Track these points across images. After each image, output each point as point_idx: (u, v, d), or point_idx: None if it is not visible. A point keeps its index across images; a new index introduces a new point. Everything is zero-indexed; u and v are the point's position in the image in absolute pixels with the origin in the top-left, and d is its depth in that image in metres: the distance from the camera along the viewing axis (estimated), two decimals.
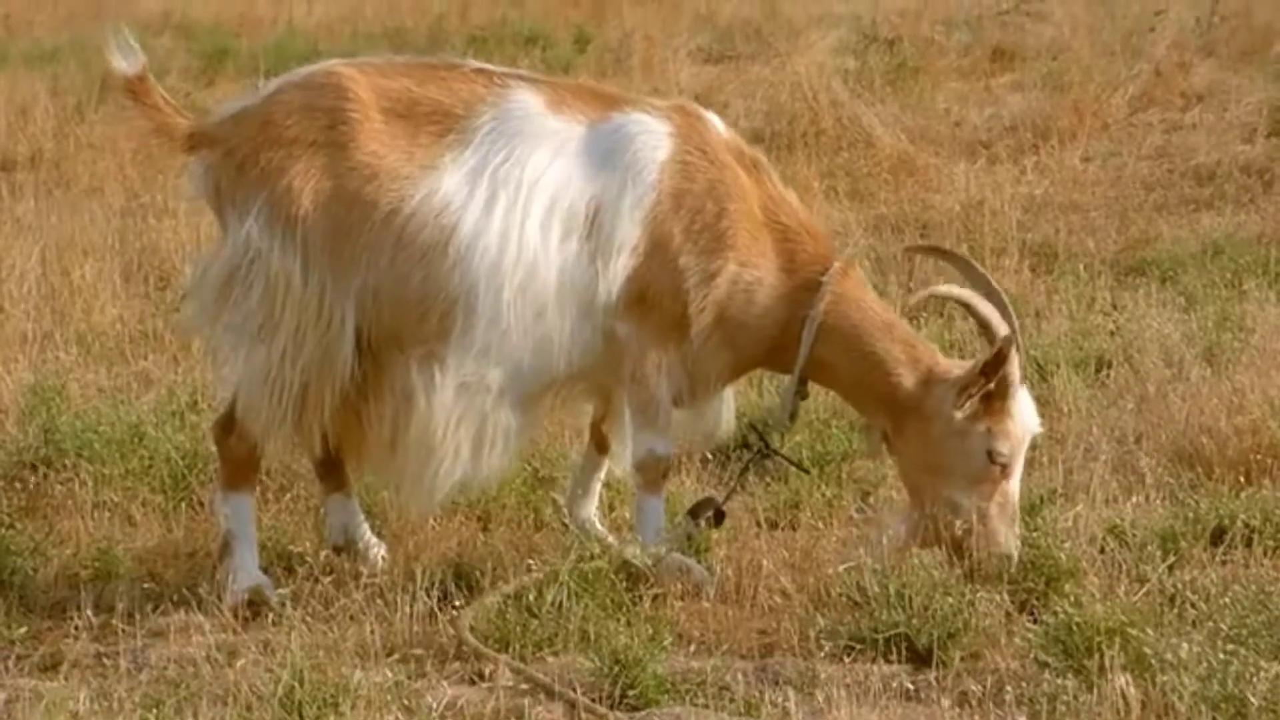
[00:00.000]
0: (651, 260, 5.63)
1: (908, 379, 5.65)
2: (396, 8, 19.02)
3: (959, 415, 5.55)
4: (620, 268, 5.61)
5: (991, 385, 5.51)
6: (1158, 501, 6.27)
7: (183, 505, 6.40)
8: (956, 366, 5.67)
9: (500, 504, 6.23)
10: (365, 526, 6.00)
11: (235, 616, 5.51)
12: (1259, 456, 6.43)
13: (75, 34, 17.24)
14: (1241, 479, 6.32)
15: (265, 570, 5.75)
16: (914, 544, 5.57)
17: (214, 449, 5.91)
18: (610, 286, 5.61)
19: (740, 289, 5.69)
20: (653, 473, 5.76)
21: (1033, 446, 5.83)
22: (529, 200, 5.55)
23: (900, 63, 14.06)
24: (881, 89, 13.38)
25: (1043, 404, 7.04)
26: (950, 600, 5.27)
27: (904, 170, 11.01)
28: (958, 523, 5.54)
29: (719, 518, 5.91)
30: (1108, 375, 7.52)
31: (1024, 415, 5.62)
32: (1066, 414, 7.01)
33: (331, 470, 5.96)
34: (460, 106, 5.65)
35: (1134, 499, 6.26)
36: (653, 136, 5.68)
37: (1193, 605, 5.36)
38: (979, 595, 5.33)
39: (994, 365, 5.51)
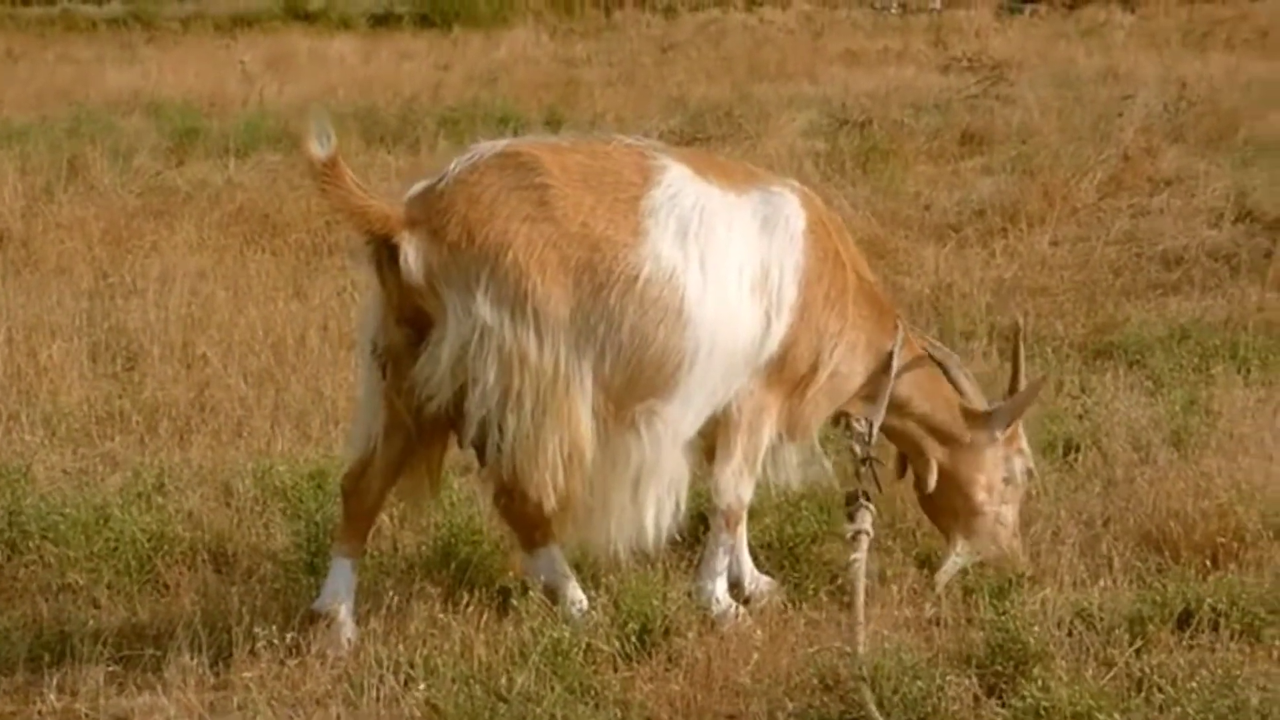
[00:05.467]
0: (801, 321, 6.06)
1: (963, 413, 6.46)
2: (368, 89, 19.11)
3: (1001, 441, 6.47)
4: (783, 324, 6.02)
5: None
6: (1125, 585, 6.27)
7: (148, 588, 6.36)
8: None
9: (467, 584, 6.21)
10: (352, 603, 5.99)
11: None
12: (1226, 540, 6.44)
13: (44, 113, 17.30)
14: (1208, 563, 6.32)
15: (230, 653, 5.70)
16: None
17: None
18: (772, 341, 6.02)
19: (850, 346, 6.21)
20: (737, 516, 6.20)
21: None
22: (725, 261, 5.89)
23: (870, 145, 14.16)
24: (852, 171, 13.47)
25: None
26: (920, 684, 5.27)
27: (874, 252, 11.02)
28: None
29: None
30: (1075, 459, 7.52)
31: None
32: (1034, 497, 7.00)
33: (362, 532, 6.03)
34: (635, 175, 5.90)
35: (1101, 582, 6.26)
36: (793, 207, 6.12)
37: (1160, 689, 5.35)
38: (948, 679, 5.33)
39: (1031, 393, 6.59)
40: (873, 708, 5.20)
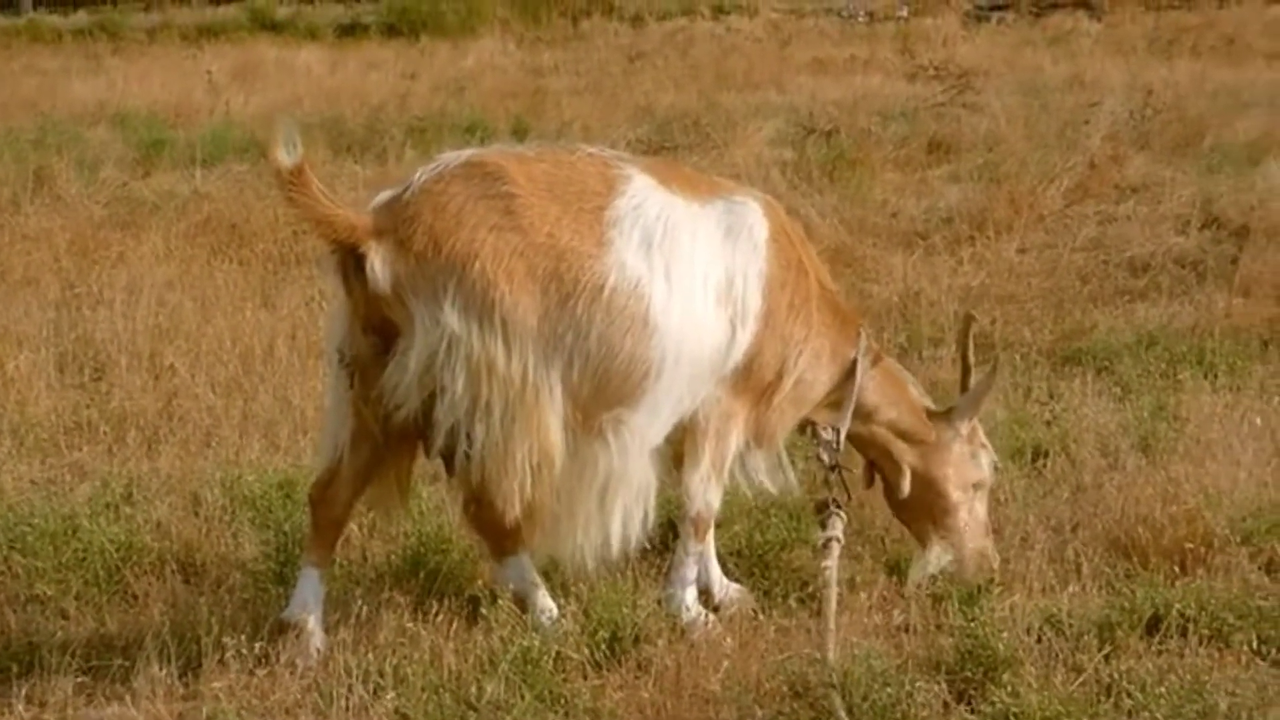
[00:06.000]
0: (766, 329, 6.08)
1: (927, 416, 6.51)
2: (335, 99, 19.07)
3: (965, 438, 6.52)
4: (748, 333, 6.04)
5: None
6: (1094, 591, 6.29)
7: (116, 598, 6.35)
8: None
9: (436, 593, 6.20)
10: (321, 612, 5.97)
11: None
12: (1194, 546, 6.45)
13: (10, 124, 17.23)
14: (1177, 568, 6.34)
15: (199, 663, 5.69)
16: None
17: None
18: (738, 350, 6.04)
19: (814, 354, 6.24)
20: (705, 523, 6.22)
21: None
22: (690, 270, 5.92)
23: (838, 154, 14.16)
24: (819, 180, 13.47)
25: None
26: (889, 690, 5.28)
27: (842, 261, 11.06)
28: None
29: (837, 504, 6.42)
30: (1044, 465, 7.54)
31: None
32: (1003, 503, 7.02)
33: (330, 541, 6.02)
34: (599, 185, 5.91)
35: (1070, 588, 6.28)
36: (756, 216, 6.14)
37: (1129, 695, 5.37)
38: (918, 685, 5.33)
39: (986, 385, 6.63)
40: (843, 714, 5.20)
